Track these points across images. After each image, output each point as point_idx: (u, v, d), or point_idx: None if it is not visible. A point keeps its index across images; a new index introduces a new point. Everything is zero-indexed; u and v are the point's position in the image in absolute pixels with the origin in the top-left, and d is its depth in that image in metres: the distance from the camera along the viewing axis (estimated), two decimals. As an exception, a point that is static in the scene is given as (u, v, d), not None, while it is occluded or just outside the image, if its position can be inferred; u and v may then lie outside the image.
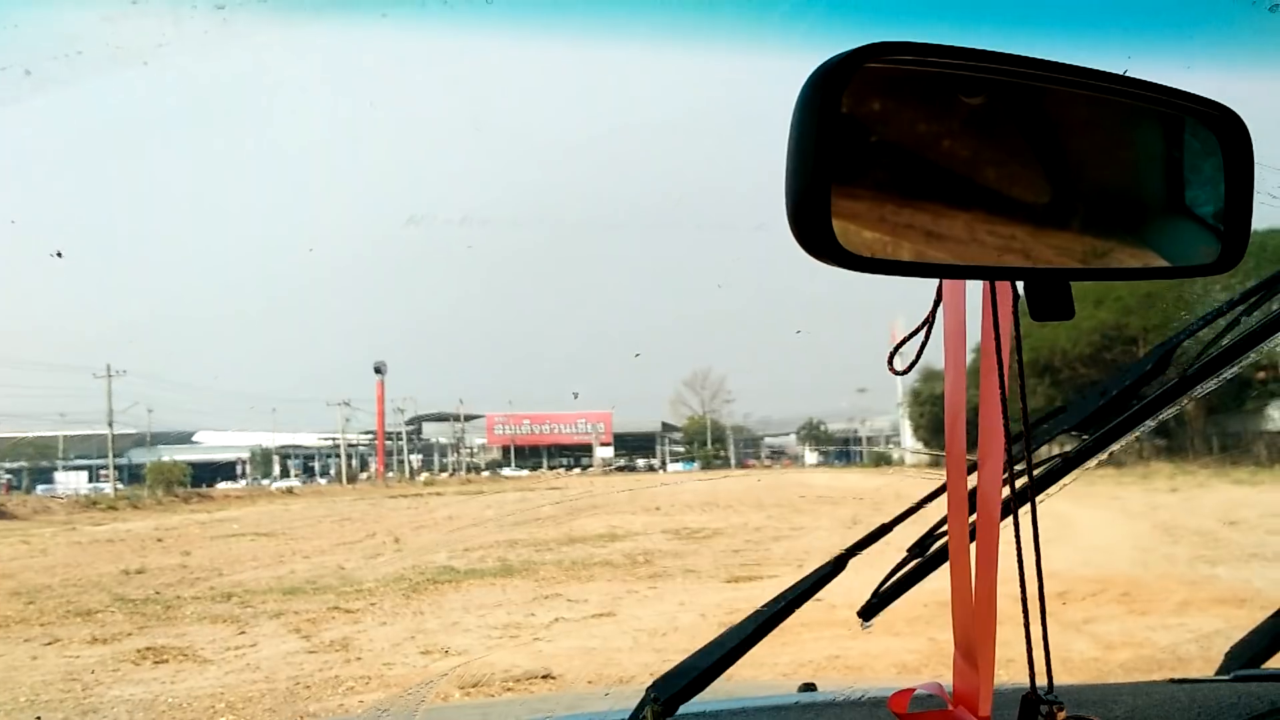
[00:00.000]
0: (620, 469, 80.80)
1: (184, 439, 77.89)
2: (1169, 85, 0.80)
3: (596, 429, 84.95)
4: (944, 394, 0.95)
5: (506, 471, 77.54)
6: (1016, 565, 0.90)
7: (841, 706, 1.42)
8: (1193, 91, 0.82)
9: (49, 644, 8.63)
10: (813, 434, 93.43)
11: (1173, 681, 1.53)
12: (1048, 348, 39.90)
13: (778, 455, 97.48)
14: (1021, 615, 0.88)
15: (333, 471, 77.61)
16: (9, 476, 71.18)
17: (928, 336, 0.95)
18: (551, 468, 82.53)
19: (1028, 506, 0.92)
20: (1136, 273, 0.85)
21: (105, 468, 58.72)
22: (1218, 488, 22.51)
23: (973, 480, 0.96)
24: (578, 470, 79.59)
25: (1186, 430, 38.12)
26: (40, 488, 63.34)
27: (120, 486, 53.93)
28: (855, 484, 37.94)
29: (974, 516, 0.94)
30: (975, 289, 0.93)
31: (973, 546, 0.93)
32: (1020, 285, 0.87)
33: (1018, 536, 0.89)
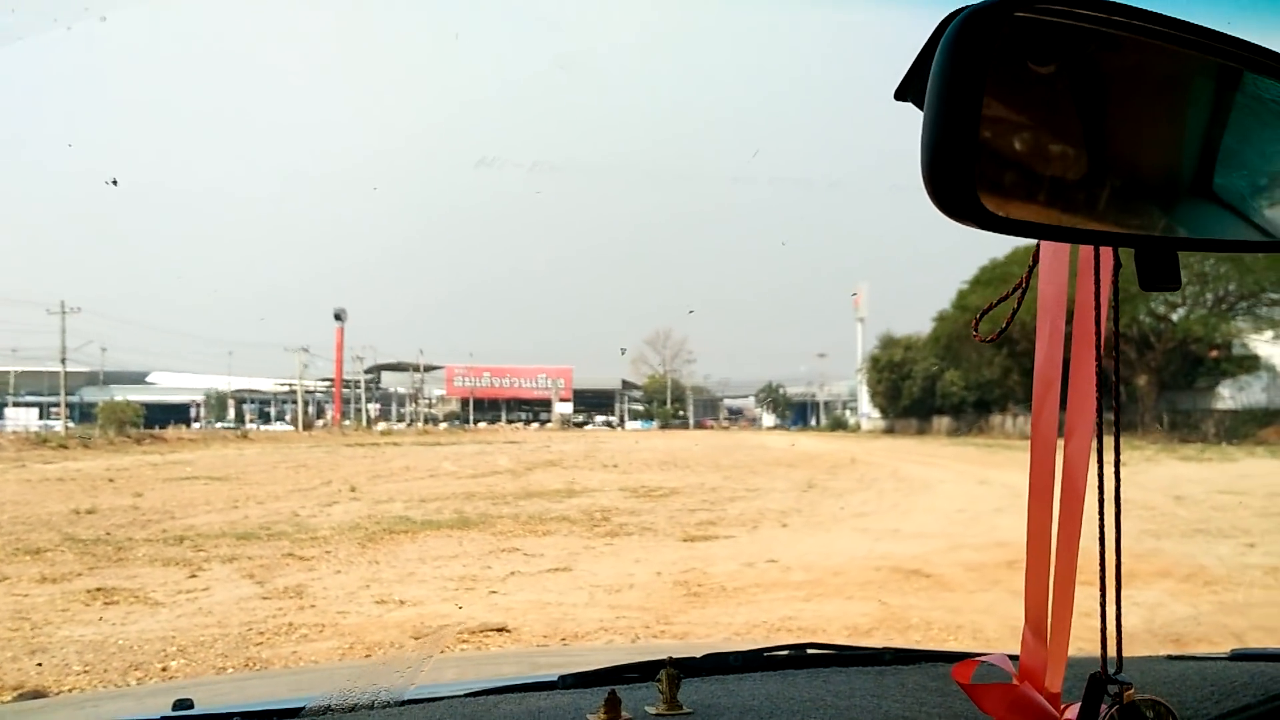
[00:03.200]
0: (579, 425, 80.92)
1: (138, 379, 76.79)
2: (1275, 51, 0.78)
3: (556, 384, 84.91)
4: (1035, 363, 0.93)
5: (482, 425, 77.44)
6: (1098, 541, 0.88)
7: (909, 672, 1.42)
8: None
9: (-4, 582, 8.53)
10: (772, 397, 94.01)
11: (1170, 658, 1.54)
12: (1005, 319, 40.25)
13: (736, 416, 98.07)
14: (1098, 592, 0.86)
15: (288, 418, 77.00)
16: (-44, 411, 69.99)
17: (1020, 302, 0.93)
18: (510, 422, 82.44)
19: (1111, 482, 0.90)
20: (1245, 245, 0.85)
21: (56, 405, 57.80)
22: (1166, 463, 22.93)
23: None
24: (536, 425, 79.58)
25: (1138, 406, 38.77)
26: (-11, 423, 62.36)
27: (71, 425, 53.11)
28: (811, 447, 38.29)
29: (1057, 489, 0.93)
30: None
31: (1055, 520, 0.92)
32: (1117, 252, 0.87)
33: (1101, 512, 0.88)
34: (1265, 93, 0.82)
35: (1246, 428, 34.84)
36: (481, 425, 77.68)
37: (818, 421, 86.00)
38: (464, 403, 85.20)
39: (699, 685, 1.38)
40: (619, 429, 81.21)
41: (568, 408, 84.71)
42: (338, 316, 72.76)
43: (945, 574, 8.34)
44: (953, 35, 0.67)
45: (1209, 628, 6.26)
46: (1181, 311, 38.01)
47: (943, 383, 57.02)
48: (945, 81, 0.67)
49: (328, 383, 77.23)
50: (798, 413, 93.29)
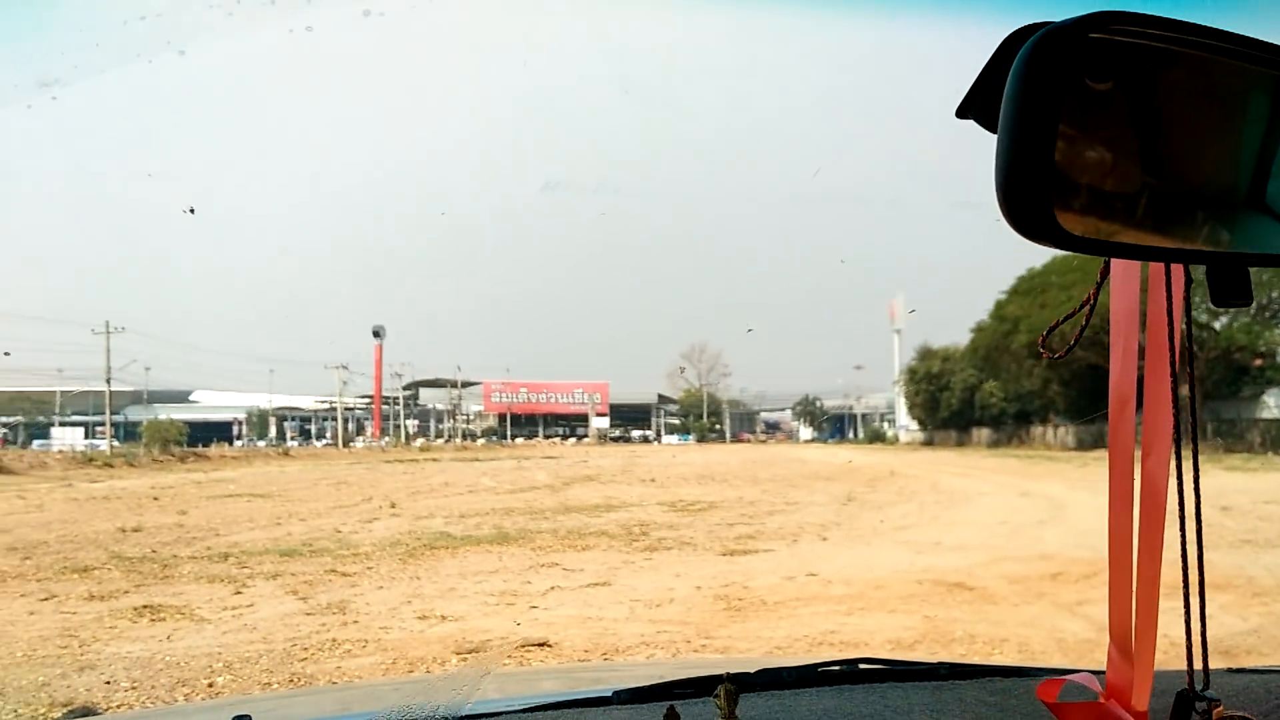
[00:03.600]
0: (615, 439, 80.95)
1: (181, 398, 77.92)
2: None
3: (593, 399, 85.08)
4: (1110, 378, 0.93)
5: (519, 440, 77.66)
6: (1180, 556, 0.88)
7: (966, 688, 1.42)
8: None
9: (45, 599, 8.66)
10: (808, 410, 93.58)
11: (1231, 671, 1.52)
12: (1045, 329, 39.80)
13: (773, 430, 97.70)
14: (1182, 606, 0.86)
15: (329, 435, 77.69)
16: (5, 431, 71.22)
17: (1088, 318, 0.93)
18: (547, 437, 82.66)
19: (1191, 495, 0.90)
20: None
21: (102, 424, 58.69)
22: (1212, 473, 22.53)
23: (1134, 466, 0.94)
24: (573, 440, 79.71)
25: (1183, 416, 38.16)
26: (36, 443, 63.36)
27: (116, 444, 53.93)
28: (850, 460, 38.06)
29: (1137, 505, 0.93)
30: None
31: (1135, 535, 0.91)
32: (1187, 269, 0.86)
33: (1182, 527, 0.87)
34: None
35: (1294, 436, 34.24)
36: (519, 440, 77.98)
37: (855, 434, 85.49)
38: (501, 418, 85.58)
39: (754, 701, 1.38)
40: (655, 443, 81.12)
41: (604, 422, 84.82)
42: (376, 334, 73.45)
43: (988, 587, 8.26)
44: (1027, 56, 0.68)
45: (1260, 639, 6.15)
46: (1224, 320, 37.45)
47: (981, 394, 56.56)
48: (1020, 102, 0.67)
49: (367, 399, 77.90)
50: (835, 425, 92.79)
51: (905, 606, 7.71)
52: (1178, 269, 0.89)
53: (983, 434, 58.91)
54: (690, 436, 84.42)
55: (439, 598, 8.49)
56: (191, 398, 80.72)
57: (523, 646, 6.58)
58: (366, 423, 79.20)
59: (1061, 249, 0.70)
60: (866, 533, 13.07)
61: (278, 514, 16.89)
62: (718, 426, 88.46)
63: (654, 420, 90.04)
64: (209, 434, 66.93)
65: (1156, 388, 0.90)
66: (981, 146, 0.72)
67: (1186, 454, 0.90)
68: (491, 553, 11.37)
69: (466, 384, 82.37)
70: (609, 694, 1.44)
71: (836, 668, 1.57)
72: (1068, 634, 6.44)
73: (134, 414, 68.77)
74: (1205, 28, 0.73)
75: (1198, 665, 0.85)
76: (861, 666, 1.58)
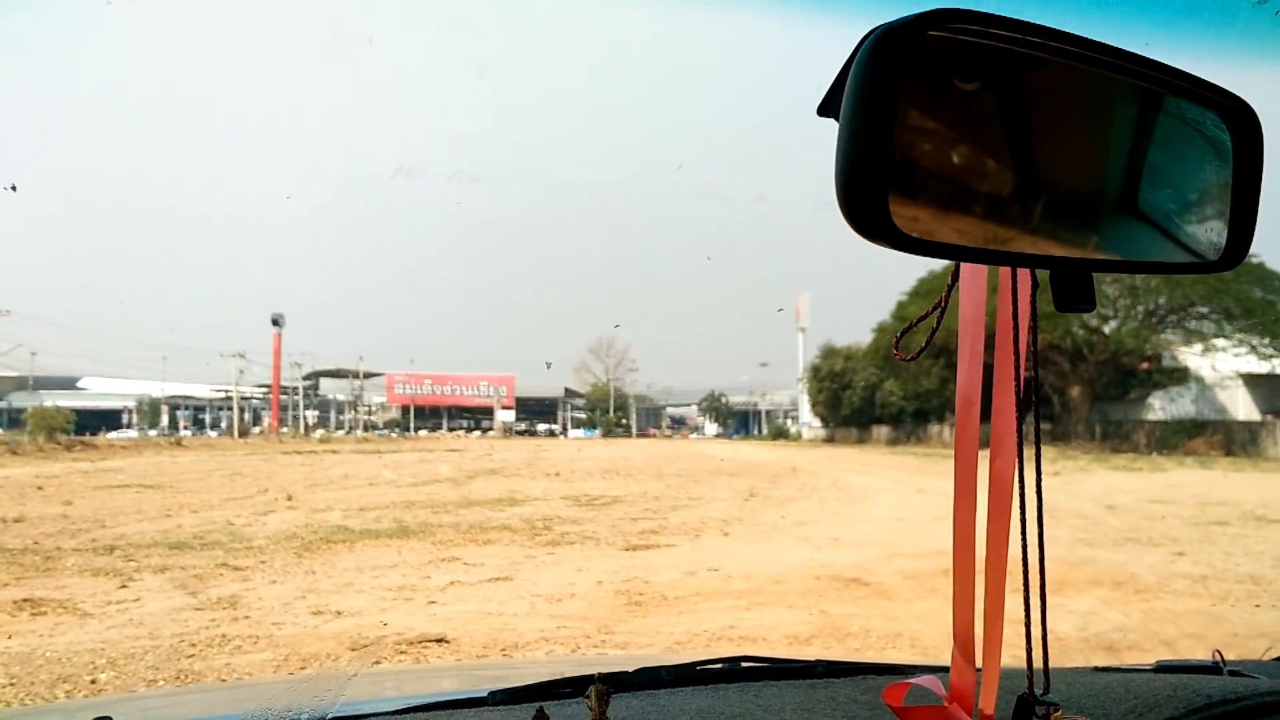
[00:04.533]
0: (521, 433, 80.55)
1: (68, 384, 75.05)
2: (1186, 71, 0.80)
3: (499, 392, 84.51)
4: (957, 381, 0.93)
5: (423, 433, 76.65)
6: (1022, 558, 0.88)
7: (840, 685, 1.43)
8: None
9: (-83, 593, 8.26)
10: (714, 405, 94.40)
11: (1097, 670, 1.56)
12: (943, 330, 40.96)
13: (679, 425, 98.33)
14: (1022, 609, 0.86)
15: (224, 424, 75.69)
16: (-122, 417, 67.76)
17: (939, 321, 0.93)
18: (451, 429, 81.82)
19: (1033, 497, 0.90)
20: (1150, 267, 0.86)
21: (-18, 411, 56.20)
22: (1098, 473, 23.41)
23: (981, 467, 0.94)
24: (478, 433, 79.08)
25: (1071, 417, 39.55)
26: (-88, 430, 60.42)
27: (0, 431, 51.73)
28: (753, 456, 38.49)
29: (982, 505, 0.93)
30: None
31: (981, 536, 0.92)
32: (1033, 272, 0.87)
33: (1023, 527, 0.88)
34: (1185, 113, 0.84)
35: (1176, 438, 35.70)
36: (422, 433, 77.04)
37: (759, 430, 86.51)
38: (405, 410, 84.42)
39: (629, 700, 1.37)
40: (561, 437, 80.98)
41: (510, 415, 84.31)
42: (275, 322, 71.68)
43: (884, 582, 8.41)
44: (866, 53, 0.67)
45: (1140, 635, 6.38)
46: (1114, 324, 38.87)
47: (882, 392, 57.72)
48: (858, 99, 0.67)
49: (265, 389, 76.03)
50: (740, 421, 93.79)
51: (803, 602, 7.82)
52: (1025, 274, 0.90)
53: (882, 432, 60.14)
54: (596, 431, 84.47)
55: (335, 593, 8.32)
56: (80, 384, 77.83)
57: (419, 642, 6.49)
58: (264, 413, 77.34)
59: (898, 249, 0.70)
60: (768, 528, 13.21)
61: (168, 505, 16.38)
62: (624, 421, 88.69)
63: (560, 414, 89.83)
64: (98, 422, 64.65)
65: (1003, 390, 0.91)
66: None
67: (1037, 457, 0.91)
68: (390, 547, 11.19)
69: (369, 375, 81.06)
70: (484, 695, 1.43)
71: (716, 666, 1.58)
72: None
73: (18, 401, 65.99)
74: (1062, 32, 0.73)
75: (1038, 665, 0.86)
76: (743, 665, 1.59)
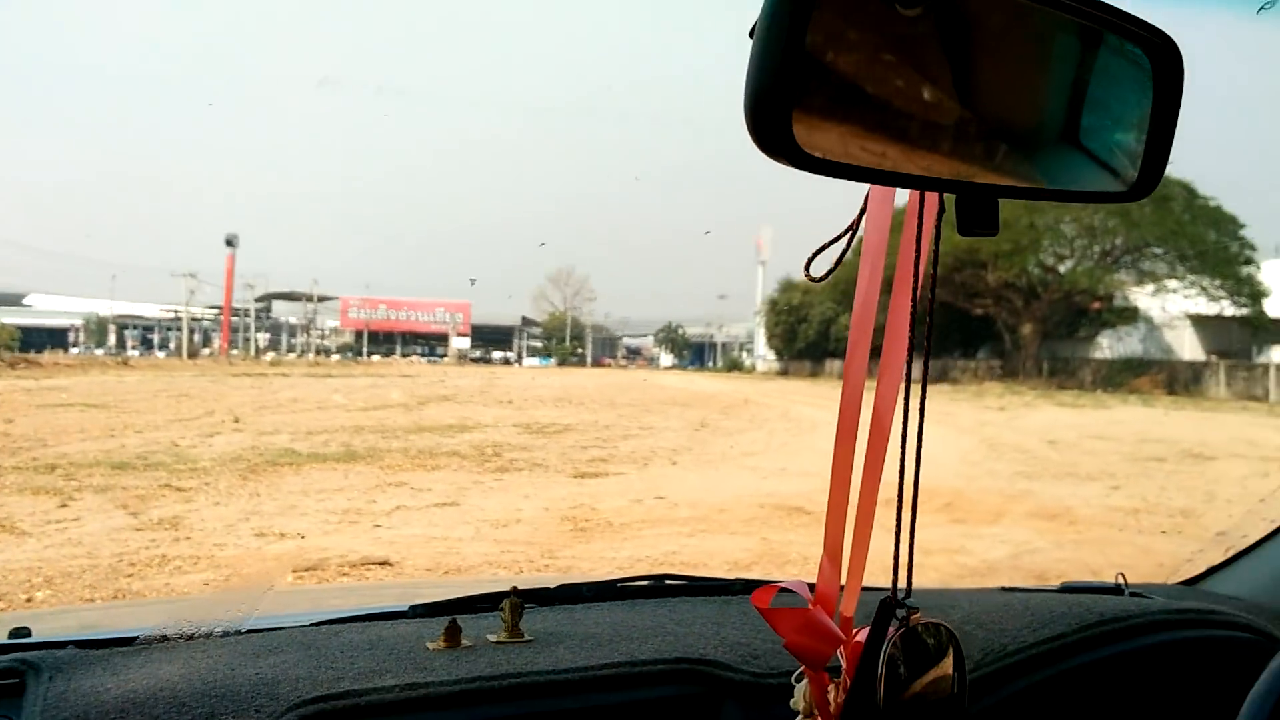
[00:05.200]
0: (476, 360, 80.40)
1: (13, 301, 73.42)
2: (1112, 5, 0.79)
3: (455, 319, 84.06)
4: (854, 304, 0.92)
5: (376, 358, 76.21)
6: (899, 474, 0.89)
7: (745, 600, 1.45)
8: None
9: None
10: (670, 337, 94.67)
11: (1005, 590, 1.59)
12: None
13: (634, 355, 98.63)
14: (894, 523, 0.89)
15: (173, 345, 74.69)
16: None
17: (849, 245, 0.92)
18: (406, 355, 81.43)
19: (915, 418, 0.91)
20: (1059, 195, 0.86)
21: (-77, 328, 54.99)
22: (1043, 409, 23.83)
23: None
24: (433, 359, 78.79)
25: (1021, 354, 40.13)
26: None
27: (-61, 348, 50.62)
28: (707, 387, 38.73)
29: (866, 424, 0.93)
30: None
31: (859, 454, 0.92)
32: (945, 197, 0.86)
33: (903, 446, 0.88)
34: (1107, 43, 0.82)
35: (1121, 376, 36.35)
36: (376, 358, 76.60)
37: (715, 362, 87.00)
38: (358, 335, 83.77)
39: (548, 614, 1.38)
40: (516, 365, 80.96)
41: (465, 343, 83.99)
42: (229, 242, 70.35)
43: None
44: None
45: (1070, 565, 6.54)
46: (1070, 264, 39.26)
47: (838, 326, 58.07)
48: (770, 11, 0.65)
49: (216, 310, 74.91)
50: (695, 353, 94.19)
51: (746, 529, 7.91)
52: (933, 198, 0.89)
53: (836, 365, 60.59)
54: (552, 360, 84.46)
55: (279, 515, 8.29)
56: (25, 301, 76.17)
57: (362, 565, 6.49)
58: (214, 334, 76.35)
59: (798, 168, 0.68)
60: (716, 458, 13.33)
61: (112, 425, 16.15)
62: (580, 350, 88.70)
63: (516, 342, 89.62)
64: (43, 340, 63.38)
65: (898, 312, 0.91)
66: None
67: (924, 380, 0.91)
68: (337, 471, 11.15)
69: (323, 298, 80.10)
70: (405, 609, 1.42)
71: (638, 583, 1.59)
72: (889, 554, 6.72)
73: (-40, 317, 64.65)
74: None
75: (902, 577, 0.88)
76: (666, 583, 1.60)
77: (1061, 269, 39.16)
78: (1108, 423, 19.96)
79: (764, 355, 75.04)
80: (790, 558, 6.81)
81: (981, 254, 35.93)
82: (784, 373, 66.34)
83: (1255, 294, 35.41)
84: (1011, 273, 37.35)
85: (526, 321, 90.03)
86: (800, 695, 0.90)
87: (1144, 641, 1.21)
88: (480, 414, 20.47)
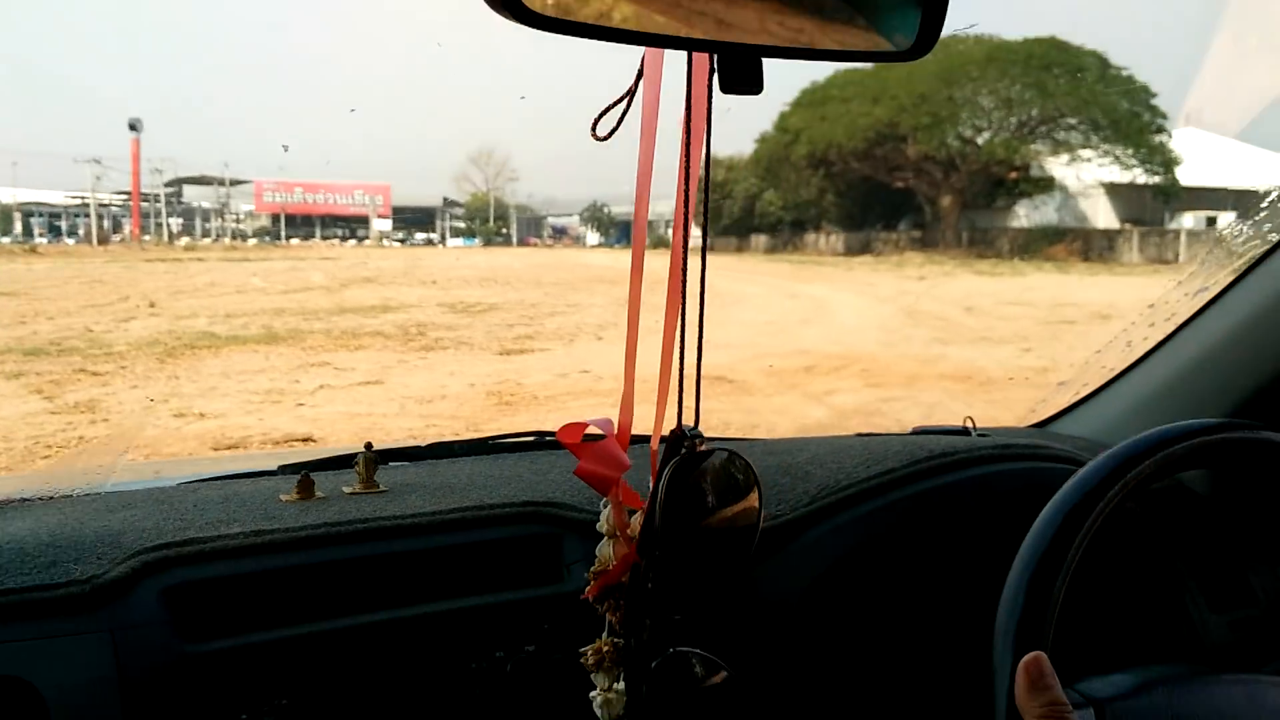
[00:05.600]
0: (399, 242, 79.03)
1: (-95, 190, 69.97)
2: None
3: (374, 201, 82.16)
4: (638, 160, 0.94)
5: (295, 242, 74.35)
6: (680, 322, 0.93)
7: (561, 450, 1.48)
8: None
9: None
10: (596, 215, 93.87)
11: (859, 436, 1.66)
12: (824, 142, 41.21)
13: (560, 235, 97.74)
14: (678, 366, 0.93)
15: (82, 232, 72.13)
16: None
17: (629, 106, 0.93)
18: (325, 238, 79.69)
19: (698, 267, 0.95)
20: (830, 54, 0.81)
21: None
22: (962, 278, 24.29)
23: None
24: (353, 242, 77.25)
25: (940, 225, 40.64)
26: None
27: None
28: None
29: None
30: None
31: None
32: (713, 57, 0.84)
33: (683, 296, 0.92)
34: None
35: (1037, 245, 37.02)
36: (295, 241, 74.82)
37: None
38: (275, 219, 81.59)
39: (410, 468, 1.41)
40: (440, 246, 79.80)
41: (386, 225, 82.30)
42: (133, 127, 67.31)
43: (748, 380, 8.70)
44: None
45: (977, 420, 6.79)
46: (987, 135, 39.53)
47: (761, 202, 58.00)
48: None
49: (125, 196, 72.21)
50: (622, 231, 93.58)
51: (669, 398, 8.03)
52: (703, 58, 0.87)
53: (760, 241, 60.80)
54: (476, 240, 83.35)
55: (199, 396, 8.21)
56: (-80, 190, 72.61)
57: (285, 442, 6.50)
58: (125, 221, 73.82)
59: (531, 27, 0.66)
60: (641, 332, 13.40)
61: (22, 312, 15.66)
62: (504, 231, 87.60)
63: (439, 223, 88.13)
64: (-57, 230, 60.70)
65: (681, 178, 0.94)
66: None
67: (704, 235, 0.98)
68: (259, 353, 11.01)
69: (235, 182, 77.46)
70: (274, 469, 1.44)
71: (512, 439, 1.61)
72: (811, 419, 6.91)
73: None
74: None
75: (689, 414, 0.94)
76: (546, 440, 1.62)
77: (979, 141, 39.43)
78: (1023, 289, 20.44)
79: (690, 233, 74.87)
80: (711, 424, 6.90)
81: (901, 127, 36.06)
82: (710, 248, 66.35)
83: (1167, 162, 36.11)
84: (931, 145, 37.54)
85: (449, 203, 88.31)
86: (604, 519, 0.96)
87: (969, 474, 1.28)
88: (404, 294, 20.24)
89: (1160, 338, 1.61)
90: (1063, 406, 1.80)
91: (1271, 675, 0.90)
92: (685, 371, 0.90)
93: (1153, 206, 37.86)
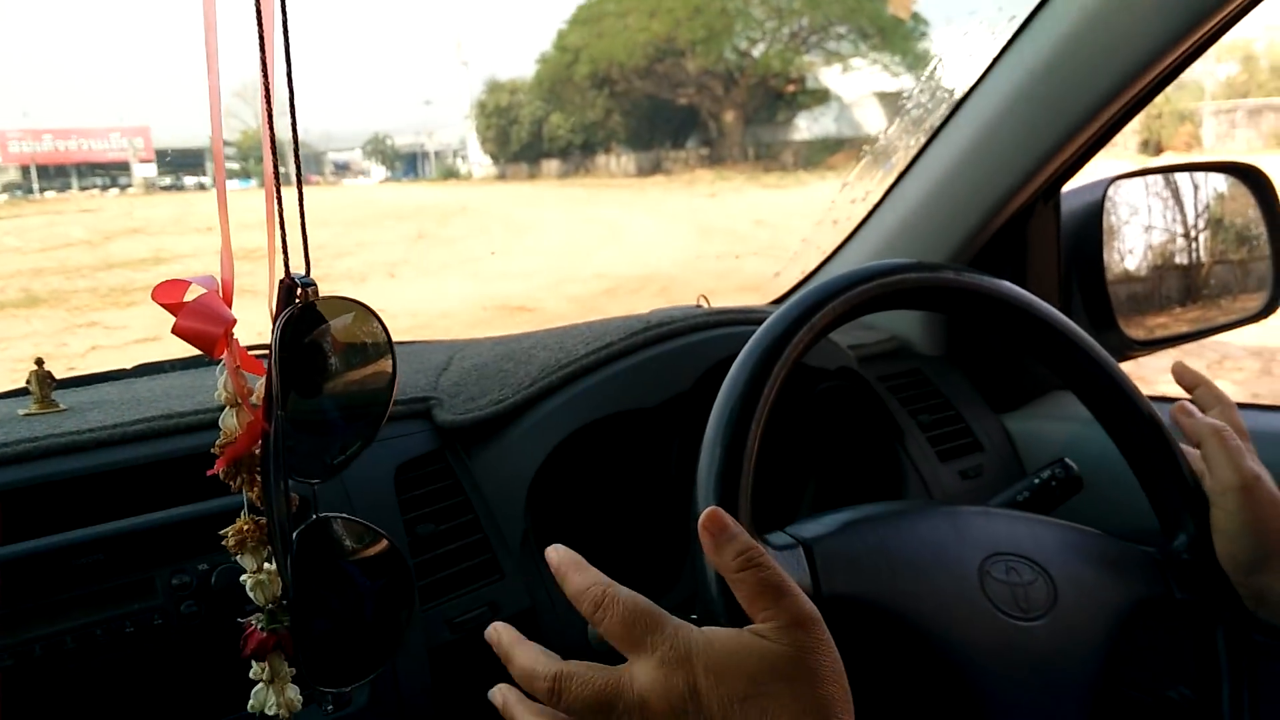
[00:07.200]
0: (166, 188, 74.42)
1: None
2: None
3: (134, 144, 76.65)
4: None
5: (50, 194, 68.77)
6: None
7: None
8: None
9: None
10: (379, 149, 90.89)
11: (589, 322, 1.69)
12: (605, 60, 41.08)
13: (343, 170, 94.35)
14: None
15: None
16: None
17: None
18: (84, 189, 74.14)
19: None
20: None
21: None
22: (750, 192, 24.91)
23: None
24: (116, 190, 72.23)
25: (726, 140, 41.45)
26: None
27: None
28: (423, 198, 37.73)
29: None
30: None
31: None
32: None
33: (276, 176, 0.85)
34: None
35: (819, 155, 38.37)
36: (50, 194, 69.33)
37: (429, 172, 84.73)
38: (25, 171, 75.24)
39: (104, 387, 1.30)
40: (213, 189, 75.62)
41: (152, 169, 77.13)
42: None
43: (548, 306, 8.66)
44: None
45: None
46: (762, 47, 40.36)
47: (549, 126, 57.58)
48: None
49: None
50: (408, 164, 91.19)
51: (470, 331, 7.86)
52: None
53: (552, 166, 60.46)
54: (252, 181, 79.45)
55: (-48, 370, 7.51)
56: None
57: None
58: None
59: None
60: (436, 267, 13.15)
61: None
62: (281, 169, 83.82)
63: (209, 165, 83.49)
64: None
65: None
66: None
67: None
68: (18, 317, 10.17)
69: (-26, 132, 70.94)
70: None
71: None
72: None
73: None
74: None
75: (296, 262, 0.88)
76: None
77: (755, 54, 40.24)
78: (807, 199, 21.12)
79: (480, 161, 73.69)
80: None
81: (679, 42, 36.33)
82: (501, 176, 65.51)
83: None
84: (709, 60, 38.05)
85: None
86: (221, 386, 0.87)
87: (685, 341, 1.29)
88: (177, 244, 19.05)
89: (864, 214, 1.69)
90: (794, 284, 1.86)
91: (980, 507, 0.94)
92: (286, 220, 0.83)
93: (921, 111, 39.75)
